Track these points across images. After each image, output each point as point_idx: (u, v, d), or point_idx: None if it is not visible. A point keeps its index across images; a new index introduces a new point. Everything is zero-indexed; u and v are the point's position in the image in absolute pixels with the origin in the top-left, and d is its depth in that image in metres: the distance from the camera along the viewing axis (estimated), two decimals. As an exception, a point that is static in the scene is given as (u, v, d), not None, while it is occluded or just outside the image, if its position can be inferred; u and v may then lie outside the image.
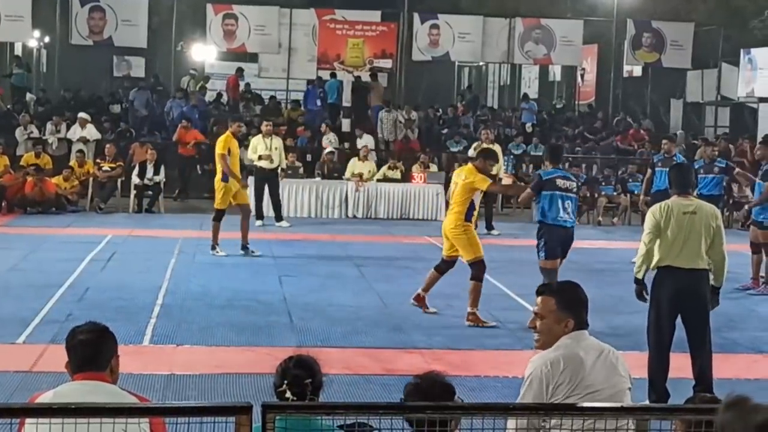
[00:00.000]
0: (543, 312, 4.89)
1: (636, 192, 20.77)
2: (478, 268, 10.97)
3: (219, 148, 14.99)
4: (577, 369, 4.69)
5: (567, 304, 4.86)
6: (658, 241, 8.04)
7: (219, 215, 15.19)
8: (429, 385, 4.34)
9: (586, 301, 4.95)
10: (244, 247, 15.20)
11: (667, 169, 12.79)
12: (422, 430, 3.62)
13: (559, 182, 10.96)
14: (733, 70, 29.26)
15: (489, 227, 18.82)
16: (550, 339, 4.85)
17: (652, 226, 8.10)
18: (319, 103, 26.53)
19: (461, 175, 11.13)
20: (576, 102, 34.73)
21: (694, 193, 9.52)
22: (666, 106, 33.00)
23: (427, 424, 3.62)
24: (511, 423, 4.37)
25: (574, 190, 11.38)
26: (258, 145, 18.64)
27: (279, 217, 19.09)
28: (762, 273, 13.75)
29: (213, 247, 15.14)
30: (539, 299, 4.95)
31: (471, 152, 19.44)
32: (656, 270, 8.20)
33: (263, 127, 18.89)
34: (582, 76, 34.30)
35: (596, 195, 21.44)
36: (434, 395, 4.24)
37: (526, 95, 31.79)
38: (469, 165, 11.44)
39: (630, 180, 21.71)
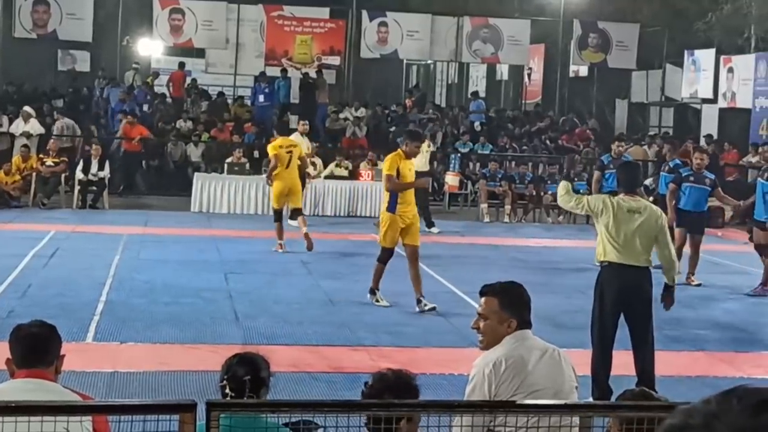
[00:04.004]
0: (486, 312, 4.90)
1: (582, 191, 20.93)
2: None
3: (385, 168, 11.52)
4: (520, 369, 4.71)
5: (510, 305, 4.87)
6: (602, 237, 8.15)
7: (385, 255, 11.64)
8: (395, 380, 4.31)
9: (529, 301, 4.97)
10: (418, 301, 11.49)
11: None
12: (378, 427, 3.64)
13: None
14: (677, 71, 29.64)
15: (429, 225, 18.71)
16: (493, 339, 4.88)
17: (589, 205, 8.27)
18: (262, 99, 26.40)
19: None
20: (523, 101, 34.96)
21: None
22: (611, 106, 33.33)
23: (375, 420, 3.65)
24: (459, 421, 4.39)
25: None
26: (302, 144, 18.53)
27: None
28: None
29: (373, 292, 11.77)
30: (482, 300, 4.97)
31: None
32: (600, 267, 8.30)
33: (300, 127, 18.67)
34: (529, 75, 34.52)
35: (542, 193, 21.60)
36: (397, 391, 4.22)
37: (476, 93, 31.87)
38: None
39: (576, 179, 21.85)
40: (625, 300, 8.10)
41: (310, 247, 14.85)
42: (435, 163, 22.96)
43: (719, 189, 14.08)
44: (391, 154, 11.74)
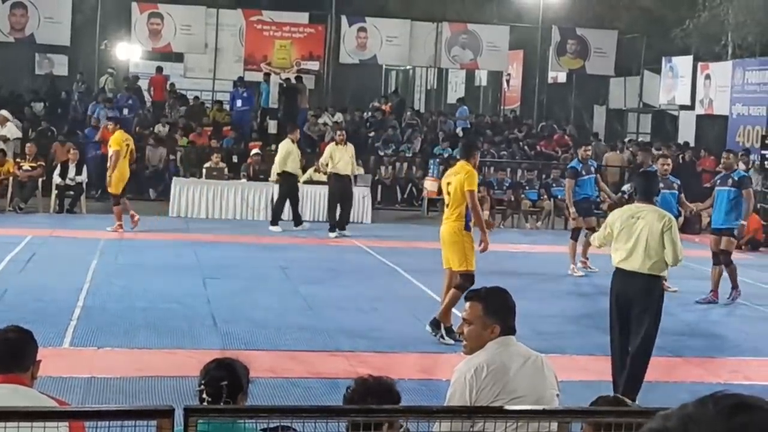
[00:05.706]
0: (470, 318, 4.91)
1: (560, 197, 21.04)
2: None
3: (469, 184, 10.24)
4: (501, 374, 4.72)
5: (494, 311, 4.88)
6: (613, 244, 8.24)
7: (468, 282, 10.03)
8: (377, 386, 4.31)
9: (514, 307, 4.98)
10: (449, 331, 10.17)
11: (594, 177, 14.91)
12: None
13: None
14: (655, 78, 29.82)
15: (341, 227, 18.58)
16: (477, 345, 4.88)
17: (612, 228, 8.33)
18: (240, 103, 26.36)
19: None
20: (502, 107, 35.07)
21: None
22: (589, 112, 33.49)
23: (354, 426, 3.65)
24: (438, 426, 4.39)
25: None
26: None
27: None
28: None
29: (450, 331, 10.19)
30: (467, 305, 4.98)
31: (322, 160, 18.98)
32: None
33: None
34: (508, 81, 34.63)
35: (520, 199, 21.66)
36: (379, 396, 4.22)
37: (462, 99, 31.94)
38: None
39: (554, 185, 21.94)
40: (623, 305, 8.18)
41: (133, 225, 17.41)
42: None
43: (682, 194, 14.25)
44: (465, 170, 10.32)
